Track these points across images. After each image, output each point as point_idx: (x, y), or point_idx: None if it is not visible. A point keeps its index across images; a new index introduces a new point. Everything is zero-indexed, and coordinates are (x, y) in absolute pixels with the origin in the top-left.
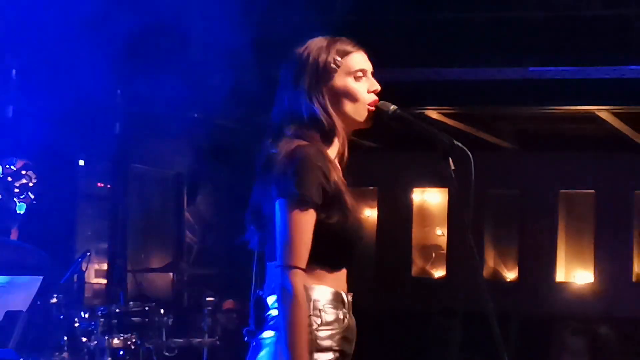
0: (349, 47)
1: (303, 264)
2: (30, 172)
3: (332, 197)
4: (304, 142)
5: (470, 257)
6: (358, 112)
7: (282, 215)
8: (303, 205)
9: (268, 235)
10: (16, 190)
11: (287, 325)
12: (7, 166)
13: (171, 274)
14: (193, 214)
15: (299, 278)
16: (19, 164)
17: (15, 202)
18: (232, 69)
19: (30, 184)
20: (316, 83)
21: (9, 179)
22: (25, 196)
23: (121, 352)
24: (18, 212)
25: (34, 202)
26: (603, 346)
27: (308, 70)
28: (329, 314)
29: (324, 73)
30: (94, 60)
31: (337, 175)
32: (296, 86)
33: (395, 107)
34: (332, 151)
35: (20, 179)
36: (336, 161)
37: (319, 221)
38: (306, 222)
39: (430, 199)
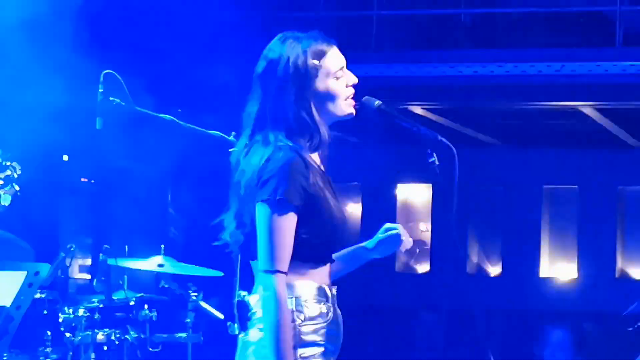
0: (323, 47)
1: (285, 267)
2: (14, 163)
3: (314, 199)
4: (286, 149)
5: (455, 253)
6: (340, 108)
7: (263, 219)
8: (283, 209)
9: (251, 235)
10: (0, 182)
11: (271, 327)
12: None
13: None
14: (177, 209)
15: (281, 281)
16: None
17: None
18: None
19: (15, 175)
20: (300, 90)
21: None
22: (10, 187)
23: (105, 347)
24: (3, 204)
25: (19, 193)
26: (586, 341)
27: (289, 79)
28: (313, 309)
29: (305, 79)
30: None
31: (318, 179)
32: (281, 94)
33: (380, 102)
34: (317, 156)
35: (4, 170)
36: (319, 164)
37: (301, 222)
38: (287, 225)
39: (414, 194)
